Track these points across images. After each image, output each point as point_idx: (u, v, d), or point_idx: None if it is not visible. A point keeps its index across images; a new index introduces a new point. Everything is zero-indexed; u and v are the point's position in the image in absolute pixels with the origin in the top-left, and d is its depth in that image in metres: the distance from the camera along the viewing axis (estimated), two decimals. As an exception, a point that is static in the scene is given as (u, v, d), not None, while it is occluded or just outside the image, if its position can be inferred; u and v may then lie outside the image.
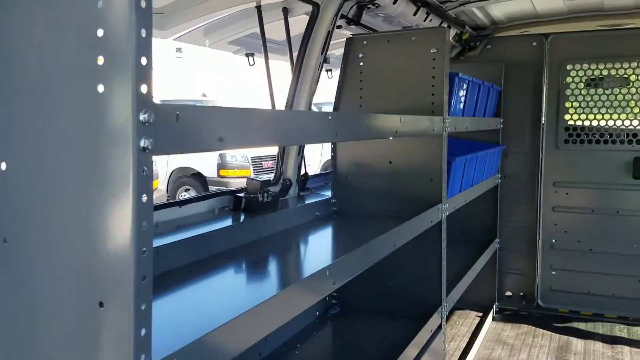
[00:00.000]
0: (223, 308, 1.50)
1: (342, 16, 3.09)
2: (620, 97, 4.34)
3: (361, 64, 2.99)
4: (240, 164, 10.44)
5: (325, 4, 2.80)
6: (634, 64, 4.26)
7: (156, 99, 0.96)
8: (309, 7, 2.89)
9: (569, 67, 4.44)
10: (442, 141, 2.81)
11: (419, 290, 2.94)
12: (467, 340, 4.09)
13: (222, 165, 10.65)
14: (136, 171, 0.88)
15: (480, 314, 4.58)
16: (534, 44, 4.52)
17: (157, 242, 1.99)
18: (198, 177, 10.66)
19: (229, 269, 2.04)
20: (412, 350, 2.52)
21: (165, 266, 1.91)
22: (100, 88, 0.89)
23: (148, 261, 0.91)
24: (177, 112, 0.97)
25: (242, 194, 2.56)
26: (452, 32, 4.35)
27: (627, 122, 4.31)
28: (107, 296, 0.92)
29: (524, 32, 4.65)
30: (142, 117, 0.88)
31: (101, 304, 0.92)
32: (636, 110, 4.31)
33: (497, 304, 4.73)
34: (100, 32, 0.89)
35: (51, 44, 0.95)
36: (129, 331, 0.90)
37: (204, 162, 10.55)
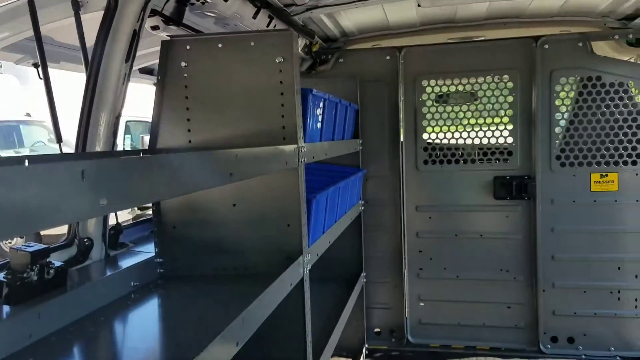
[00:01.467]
0: None
1: (157, 13, 2.32)
2: (469, 114, 4.11)
3: (185, 75, 2.24)
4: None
5: (125, -8, 2.01)
6: (481, 79, 4.05)
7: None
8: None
9: (424, 82, 4.13)
10: (298, 176, 2.17)
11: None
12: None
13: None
14: None
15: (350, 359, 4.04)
16: (388, 57, 4.15)
17: None
18: None
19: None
20: None
21: None
22: None
23: None
24: None
25: (1, 275, 1.64)
26: (301, 42, 3.80)
27: (484, 140, 4.09)
28: None
29: (375, 45, 4.27)
30: None
31: None
32: (485, 127, 4.12)
33: (366, 345, 4.23)
34: None
35: None
36: None
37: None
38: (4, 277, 1.65)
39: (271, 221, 2.19)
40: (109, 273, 2.06)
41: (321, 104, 2.57)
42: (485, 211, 4.10)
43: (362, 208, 4.09)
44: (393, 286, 4.28)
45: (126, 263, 2.18)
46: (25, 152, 10.87)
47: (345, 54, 4.23)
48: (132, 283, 2.06)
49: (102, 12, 2.18)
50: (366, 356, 4.17)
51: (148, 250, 2.34)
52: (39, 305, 1.60)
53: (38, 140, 11.56)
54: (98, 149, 2.06)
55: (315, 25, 3.81)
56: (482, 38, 4.02)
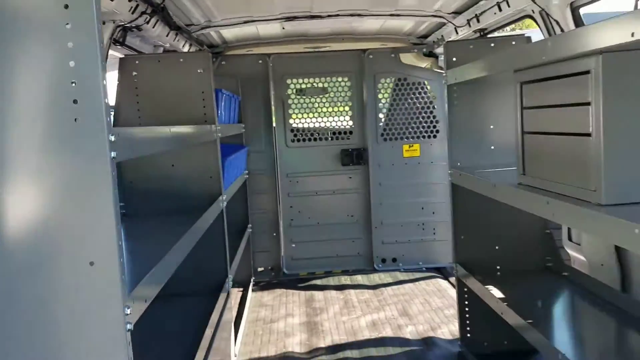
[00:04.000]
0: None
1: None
2: (321, 105, 5.69)
3: (135, 80, 3.38)
4: None
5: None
6: (329, 79, 5.64)
7: None
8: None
9: (288, 81, 5.58)
10: (216, 145, 3.45)
11: (210, 269, 3.52)
12: (237, 308, 4.82)
13: None
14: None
15: (242, 289, 5.37)
16: (260, 61, 5.52)
17: None
18: None
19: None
20: (215, 316, 3.10)
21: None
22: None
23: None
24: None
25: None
26: (194, 49, 4.98)
27: (333, 124, 5.69)
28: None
29: (249, 52, 5.59)
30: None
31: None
32: (334, 115, 5.71)
33: (253, 278, 5.60)
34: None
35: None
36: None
37: None
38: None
39: (201, 174, 3.43)
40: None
41: (223, 98, 3.86)
42: (335, 174, 5.69)
43: (247, 176, 5.42)
44: (272, 234, 5.69)
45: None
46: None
47: (226, 58, 5.50)
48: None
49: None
50: (254, 285, 5.54)
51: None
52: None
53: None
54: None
55: (205, 37, 5.03)
56: (328, 49, 5.56)
